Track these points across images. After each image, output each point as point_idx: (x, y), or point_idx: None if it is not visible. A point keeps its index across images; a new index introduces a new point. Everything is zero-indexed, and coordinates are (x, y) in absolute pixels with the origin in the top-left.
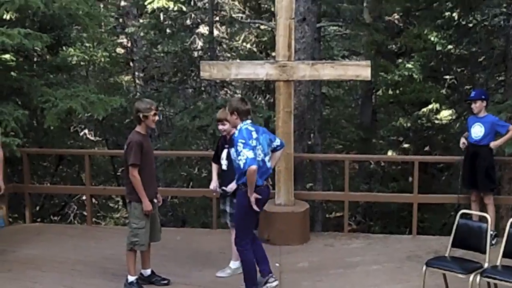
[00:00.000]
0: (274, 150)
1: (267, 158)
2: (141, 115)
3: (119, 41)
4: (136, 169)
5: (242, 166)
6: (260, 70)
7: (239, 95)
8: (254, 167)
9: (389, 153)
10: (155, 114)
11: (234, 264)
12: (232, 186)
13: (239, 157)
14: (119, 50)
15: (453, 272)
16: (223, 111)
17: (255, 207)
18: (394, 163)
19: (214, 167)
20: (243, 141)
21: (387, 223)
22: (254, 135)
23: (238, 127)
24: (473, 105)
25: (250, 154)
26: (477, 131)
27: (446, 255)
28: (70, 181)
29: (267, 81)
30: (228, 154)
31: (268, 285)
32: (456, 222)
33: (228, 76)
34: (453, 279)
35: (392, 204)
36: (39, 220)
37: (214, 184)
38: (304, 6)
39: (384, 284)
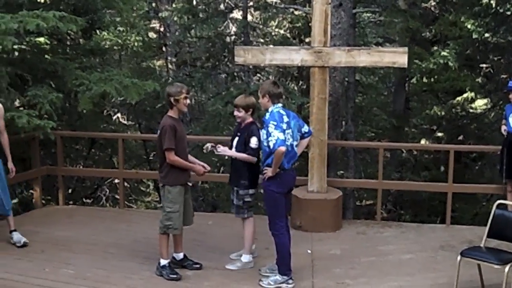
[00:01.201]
0: (302, 137)
1: (295, 143)
2: (172, 99)
3: (152, 25)
4: (172, 153)
5: (271, 146)
6: (295, 56)
7: (272, 80)
8: (283, 148)
9: (422, 141)
10: (186, 98)
11: (245, 257)
12: (223, 150)
13: (269, 138)
14: (152, 35)
15: (488, 262)
16: (241, 98)
17: (269, 173)
18: (426, 152)
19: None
20: (275, 123)
21: (418, 212)
22: (285, 119)
23: (270, 110)
24: (510, 96)
25: (281, 135)
26: None
27: (481, 245)
28: (102, 164)
29: (301, 67)
30: (238, 142)
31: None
32: (492, 213)
33: (262, 62)
34: (488, 269)
35: (423, 193)
36: (71, 202)
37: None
38: None
39: (417, 273)
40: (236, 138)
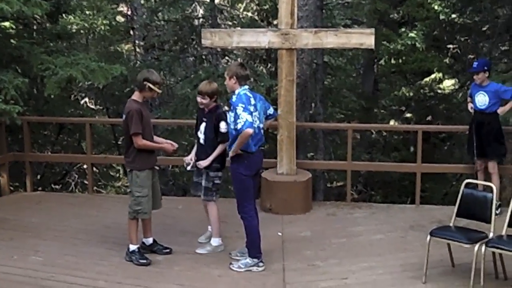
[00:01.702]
0: (266, 118)
1: (261, 126)
2: (148, 85)
3: (119, 9)
4: (140, 137)
5: (239, 128)
6: (262, 38)
7: (239, 62)
8: (250, 130)
9: (391, 122)
10: (159, 89)
11: (215, 241)
12: (204, 163)
13: (238, 120)
14: (120, 19)
15: (458, 242)
16: (205, 84)
17: (231, 154)
18: (396, 132)
19: (195, 147)
20: (243, 105)
21: (388, 193)
22: (252, 101)
23: (236, 92)
24: (475, 76)
25: (249, 117)
26: (481, 99)
27: (451, 224)
28: (71, 150)
29: (269, 49)
30: (206, 128)
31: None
32: (461, 192)
33: (230, 44)
34: (457, 249)
35: (393, 174)
36: (40, 189)
37: (190, 156)
38: None
39: (388, 254)
40: (203, 124)
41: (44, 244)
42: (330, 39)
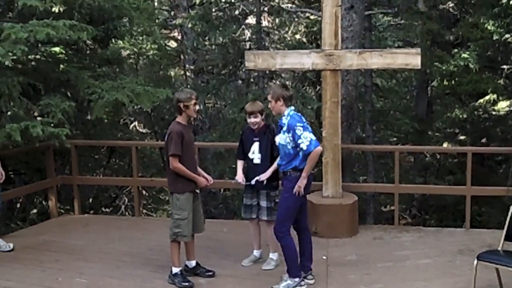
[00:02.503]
0: None
1: None
2: (181, 105)
3: (171, 34)
4: (176, 159)
5: (305, 148)
6: (306, 60)
7: (281, 83)
8: (320, 148)
9: (445, 145)
10: (195, 104)
11: (274, 255)
12: (265, 176)
13: (300, 140)
14: (172, 43)
15: (506, 266)
16: (253, 104)
17: (301, 192)
18: (451, 155)
19: (240, 163)
20: (301, 125)
21: (443, 217)
22: (303, 118)
23: (286, 113)
24: None
25: (312, 136)
26: None
27: (499, 248)
28: (121, 173)
29: (314, 71)
30: (261, 147)
31: (305, 280)
32: (510, 214)
33: (273, 66)
34: (506, 273)
35: (448, 198)
36: (91, 212)
37: (240, 175)
38: None
39: (435, 279)
40: (256, 144)
41: (89, 266)
42: (375, 59)
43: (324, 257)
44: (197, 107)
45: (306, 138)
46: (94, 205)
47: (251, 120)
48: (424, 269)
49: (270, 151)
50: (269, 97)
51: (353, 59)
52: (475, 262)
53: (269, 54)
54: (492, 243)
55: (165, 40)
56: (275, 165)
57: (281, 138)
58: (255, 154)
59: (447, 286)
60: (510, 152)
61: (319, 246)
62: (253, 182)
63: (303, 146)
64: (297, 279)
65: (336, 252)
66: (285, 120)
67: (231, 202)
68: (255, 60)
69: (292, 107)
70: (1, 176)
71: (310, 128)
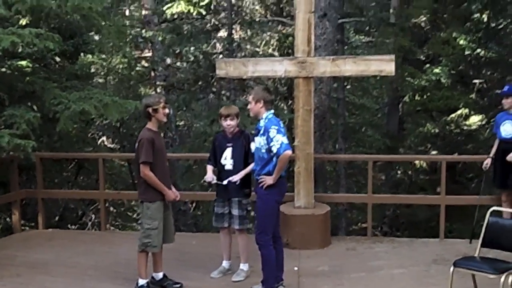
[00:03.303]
0: None
1: None
2: (150, 110)
3: (142, 55)
4: (147, 167)
5: (275, 151)
6: (278, 67)
7: (263, 86)
8: (290, 152)
9: (416, 162)
10: (164, 107)
11: (245, 266)
12: (238, 176)
13: (272, 143)
14: (143, 63)
15: (483, 272)
16: (229, 107)
17: (269, 181)
18: (422, 172)
19: (209, 168)
20: (276, 127)
21: (414, 234)
22: (281, 123)
23: (265, 116)
24: (504, 101)
25: (285, 139)
26: (508, 129)
27: (475, 255)
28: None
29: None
30: (233, 152)
31: None
32: (486, 221)
33: (245, 74)
34: (483, 280)
35: (420, 214)
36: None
37: (210, 175)
38: (324, 1)
39: None
40: (229, 149)
41: (52, 280)
42: (349, 66)
43: (296, 268)
44: (167, 111)
45: (278, 141)
46: (60, 223)
47: (227, 122)
48: (399, 279)
49: (244, 158)
50: (250, 98)
51: (326, 66)
52: (452, 269)
53: (240, 61)
54: (466, 253)
55: (136, 60)
56: (249, 168)
57: (257, 141)
58: (227, 160)
59: None
60: (483, 159)
61: (291, 257)
62: (225, 182)
63: (274, 148)
64: None
65: (308, 263)
66: (262, 123)
67: (201, 220)
68: (227, 68)
69: (272, 111)
70: None
71: (285, 133)
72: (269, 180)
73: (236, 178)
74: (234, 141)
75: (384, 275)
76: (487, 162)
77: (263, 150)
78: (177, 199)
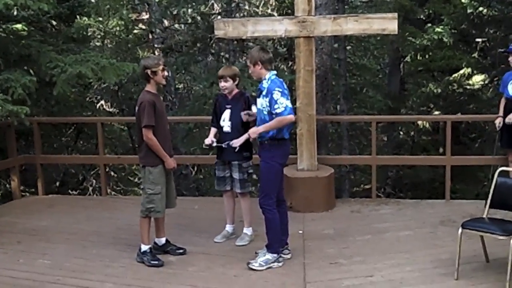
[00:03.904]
0: None
1: None
2: (149, 72)
3: (140, 18)
4: (150, 131)
5: (279, 112)
6: (278, 27)
7: (259, 46)
8: (292, 117)
9: (419, 122)
10: (163, 70)
11: (249, 230)
12: (238, 142)
13: (276, 105)
14: (141, 26)
15: (492, 233)
16: (225, 68)
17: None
18: (424, 133)
19: (212, 130)
20: (280, 90)
21: (418, 195)
22: (284, 85)
23: (267, 77)
24: (510, 58)
25: (289, 103)
26: None
27: (484, 216)
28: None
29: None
30: (231, 115)
31: (282, 255)
32: (494, 181)
33: (244, 34)
34: (492, 242)
35: (423, 175)
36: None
37: (210, 138)
38: None
39: (417, 250)
40: (227, 111)
41: (53, 247)
42: (350, 25)
43: (300, 232)
44: (166, 73)
45: (282, 103)
46: (61, 189)
47: (221, 84)
48: (405, 241)
49: (242, 121)
50: (248, 62)
51: (327, 25)
52: (460, 230)
53: (239, 21)
54: (473, 214)
55: (133, 23)
56: (247, 134)
57: (259, 103)
58: (225, 122)
59: (430, 258)
60: (489, 119)
61: (295, 221)
62: (224, 145)
63: (277, 111)
64: (275, 255)
65: (313, 226)
66: (265, 84)
67: (203, 184)
68: (225, 28)
69: (274, 72)
70: None
71: (288, 96)
72: (252, 133)
73: (236, 143)
74: (233, 103)
75: (390, 237)
76: (499, 121)
77: (265, 112)
78: (174, 168)
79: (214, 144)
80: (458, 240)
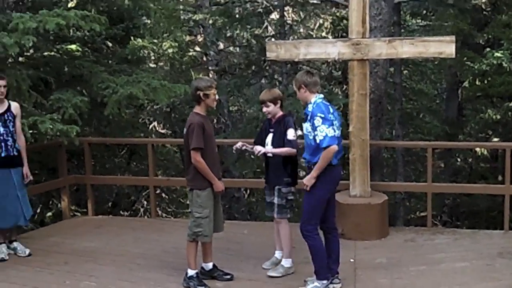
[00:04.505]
0: None
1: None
2: (201, 94)
3: (194, 40)
4: (199, 153)
5: (318, 142)
6: (331, 49)
7: (305, 70)
8: (335, 147)
9: (477, 149)
10: (215, 94)
11: (287, 262)
12: (271, 150)
13: (316, 132)
14: (195, 49)
15: None
16: (265, 92)
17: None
18: (483, 160)
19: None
20: (322, 115)
21: (475, 224)
22: (331, 109)
23: (312, 100)
24: None
25: (330, 131)
26: None
27: None
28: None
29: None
30: (273, 138)
31: (332, 284)
32: None
33: (296, 56)
34: None
35: (481, 203)
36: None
37: (241, 142)
38: None
39: (473, 283)
40: (270, 135)
41: (99, 269)
42: (406, 48)
43: (352, 260)
44: (217, 97)
45: (322, 131)
46: (113, 209)
47: (264, 109)
48: (461, 273)
49: (282, 145)
50: (294, 87)
51: (382, 48)
52: None
53: (292, 44)
54: None
55: (187, 45)
56: (281, 149)
57: (304, 127)
58: (268, 146)
59: None
60: None
61: (346, 248)
62: (249, 148)
63: (317, 139)
64: (325, 282)
65: (365, 255)
66: (310, 108)
67: (255, 208)
68: (277, 50)
69: (321, 95)
70: (26, 177)
71: (332, 122)
72: (307, 181)
73: (269, 151)
74: (276, 126)
75: (445, 268)
76: None
77: (310, 137)
78: (222, 191)
79: (244, 147)
80: None
